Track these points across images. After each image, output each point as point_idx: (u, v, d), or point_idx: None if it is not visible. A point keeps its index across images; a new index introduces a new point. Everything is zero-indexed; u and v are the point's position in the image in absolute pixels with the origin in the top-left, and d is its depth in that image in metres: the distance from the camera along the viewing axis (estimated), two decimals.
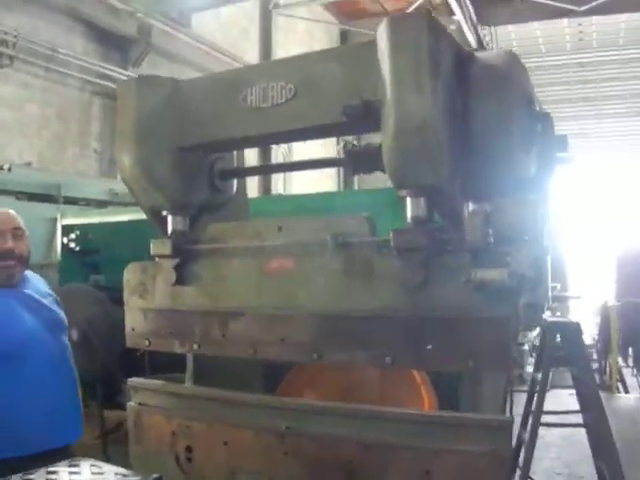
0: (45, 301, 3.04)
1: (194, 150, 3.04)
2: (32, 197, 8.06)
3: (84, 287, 5.80)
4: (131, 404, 3.41)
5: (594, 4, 15.09)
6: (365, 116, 2.43)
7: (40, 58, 10.70)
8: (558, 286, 9.82)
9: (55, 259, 6.94)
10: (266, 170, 3.40)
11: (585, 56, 20.29)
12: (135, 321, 3.32)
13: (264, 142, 3.15)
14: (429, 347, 2.42)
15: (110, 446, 5.24)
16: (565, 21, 17.95)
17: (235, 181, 3.38)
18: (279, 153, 16.18)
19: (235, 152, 3.38)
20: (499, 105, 2.37)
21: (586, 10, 15.48)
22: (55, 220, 7.31)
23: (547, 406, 6.74)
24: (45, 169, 9.70)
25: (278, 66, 2.74)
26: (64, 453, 2.74)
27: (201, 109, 2.91)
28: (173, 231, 3.12)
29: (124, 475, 2.18)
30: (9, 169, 7.51)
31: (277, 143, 3.22)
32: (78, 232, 6.64)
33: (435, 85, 2.24)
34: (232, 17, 15.67)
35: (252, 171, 3.37)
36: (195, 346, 3.06)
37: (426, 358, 2.45)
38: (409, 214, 2.46)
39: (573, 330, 3.69)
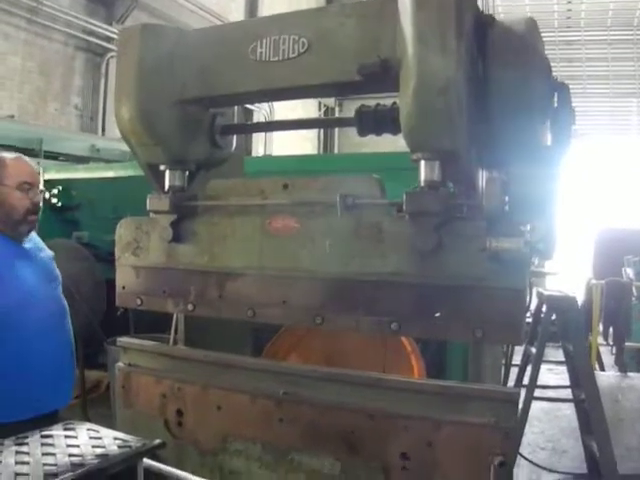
0: (42, 254, 2.94)
1: (196, 103, 2.91)
2: (12, 151, 7.82)
3: (68, 242, 5.66)
4: (119, 365, 3.31)
5: None
6: (382, 75, 2.34)
7: (23, 10, 10.36)
8: (536, 261, 9.87)
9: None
10: (269, 127, 3.28)
11: (572, 34, 20.27)
12: (127, 279, 3.21)
13: (272, 98, 3.04)
14: (437, 315, 2.35)
15: (90, 406, 5.15)
16: None
17: (234, 138, 3.28)
18: (261, 115, 16.02)
19: (236, 108, 3.27)
20: (520, 72, 2.29)
21: None
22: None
23: (527, 381, 6.82)
24: (27, 123, 9.44)
25: (291, 18, 2.61)
26: (55, 417, 2.66)
27: (207, 61, 2.78)
28: (171, 187, 3.00)
29: (124, 440, 2.10)
30: None
31: (286, 99, 3.10)
32: (60, 187, 6.47)
33: (460, 45, 2.15)
34: None
35: (254, 128, 3.26)
36: (190, 306, 2.97)
37: (434, 326, 2.38)
38: (422, 178, 2.37)
39: (569, 305, 3.66)
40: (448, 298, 2.36)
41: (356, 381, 2.60)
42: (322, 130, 20.57)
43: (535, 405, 5.06)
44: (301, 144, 18.47)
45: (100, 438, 2.11)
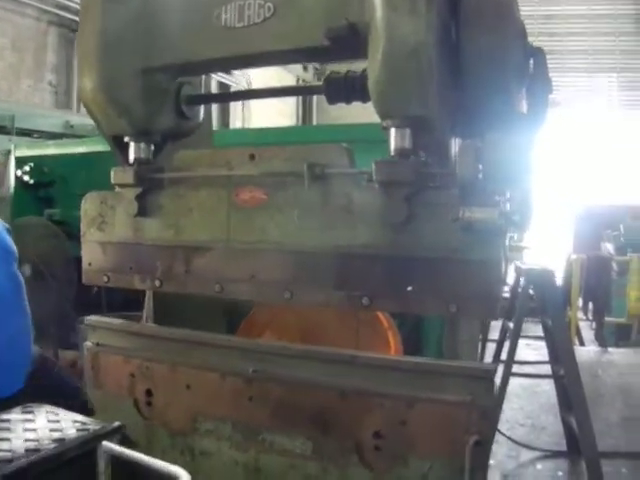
0: None
1: (161, 72, 2.80)
2: None
3: (39, 220, 5.53)
4: (88, 344, 3.22)
5: None
6: (350, 40, 2.24)
7: None
8: (515, 236, 9.84)
9: (8, 192, 6.60)
10: (237, 97, 3.18)
11: (553, 9, 20.14)
12: (92, 255, 3.10)
13: (237, 65, 2.94)
14: (410, 289, 2.27)
15: None
16: None
17: (202, 109, 3.16)
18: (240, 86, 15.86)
19: (203, 77, 3.16)
20: (494, 35, 2.20)
21: None
22: (8, 152, 6.92)
23: (504, 357, 6.79)
24: None
25: None
26: (16, 401, 2.55)
27: (171, 27, 2.67)
28: (136, 159, 2.89)
29: (83, 423, 2.01)
30: None
31: (252, 67, 3.00)
32: (32, 164, 6.32)
33: (430, 7, 2.06)
34: None
35: (221, 97, 3.18)
36: (157, 282, 2.87)
37: (406, 300, 2.30)
38: (392, 146, 2.28)
39: (547, 279, 3.60)
40: (420, 271, 2.28)
41: (327, 358, 2.53)
42: (300, 105, 20.44)
43: (514, 381, 5.03)
44: (279, 119, 18.30)
45: (59, 421, 2.02)
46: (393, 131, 2.27)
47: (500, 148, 2.23)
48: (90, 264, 3.13)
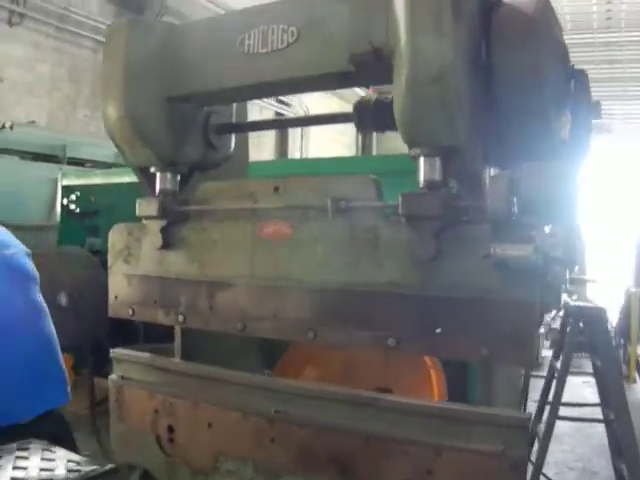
0: (8, 252, 2.75)
1: (187, 101, 2.75)
2: (36, 157, 7.78)
3: (76, 250, 5.55)
4: (113, 377, 3.16)
5: None
6: (376, 65, 2.13)
7: (52, 17, 10.39)
8: (576, 268, 9.48)
9: (56, 221, 6.69)
10: (264, 126, 3.09)
11: (612, 35, 19.69)
12: (119, 288, 3.06)
13: (263, 93, 2.85)
14: (438, 330, 2.12)
15: (101, 417, 5.00)
16: None
17: (233, 138, 3.10)
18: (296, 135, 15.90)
19: (234, 105, 3.09)
20: (529, 55, 2.04)
21: None
22: (57, 181, 7.04)
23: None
24: (50, 129, 9.42)
25: (280, 6, 2.41)
26: (45, 423, 2.49)
27: (194, 56, 2.61)
28: (161, 190, 2.84)
29: (77, 463, 1.92)
30: (11, 127, 7.22)
31: (277, 95, 2.90)
32: (78, 193, 6.39)
33: (457, 27, 1.93)
34: None
35: (250, 127, 3.07)
36: (180, 317, 2.80)
37: (434, 343, 2.15)
38: (421, 177, 2.15)
39: (598, 317, 3.38)
40: (450, 311, 2.12)
41: (350, 400, 2.38)
42: (359, 135, 20.31)
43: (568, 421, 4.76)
44: (338, 149, 18.28)
45: (53, 460, 1.93)
46: (422, 160, 2.15)
47: (537, 179, 2.07)
48: (116, 297, 3.08)
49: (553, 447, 4.85)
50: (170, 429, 2.87)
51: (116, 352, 3.17)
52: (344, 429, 2.34)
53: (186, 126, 2.82)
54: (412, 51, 1.95)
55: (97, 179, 6.65)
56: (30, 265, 2.76)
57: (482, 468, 2.07)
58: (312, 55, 2.29)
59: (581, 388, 7.25)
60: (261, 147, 15.46)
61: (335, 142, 18.07)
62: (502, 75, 2.06)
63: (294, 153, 16.62)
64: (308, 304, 2.43)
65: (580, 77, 2.26)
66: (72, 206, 6.38)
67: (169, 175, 2.84)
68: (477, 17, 2.03)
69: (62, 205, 6.48)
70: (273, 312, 2.50)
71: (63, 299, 5.12)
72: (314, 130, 16.44)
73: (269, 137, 16.02)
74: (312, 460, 2.42)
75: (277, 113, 15.04)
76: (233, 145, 3.11)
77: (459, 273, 2.10)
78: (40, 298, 2.71)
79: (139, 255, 2.95)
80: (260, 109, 13.87)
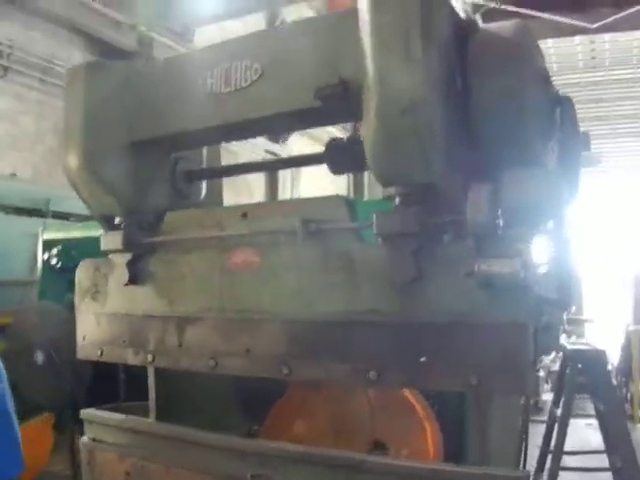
0: None
1: (149, 147, 2.60)
2: (19, 211, 7.63)
3: (53, 306, 5.35)
4: (84, 439, 2.96)
5: (607, 21, 14.63)
6: (344, 99, 1.99)
7: (36, 70, 10.36)
8: (573, 308, 9.30)
9: (35, 276, 6.51)
10: (235, 171, 2.94)
11: (598, 74, 19.90)
12: (87, 328, 2.90)
13: (229, 135, 2.70)
14: (423, 359, 1.93)
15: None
16: (577, 39, 17.55)
17: (204, 184, 2.95)
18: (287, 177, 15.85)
19: (205, 150, 2.95)
20: (509, 79, 1.88)
21: (599, 27, 15.02)
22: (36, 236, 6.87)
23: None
24: (32, 181, 9.29)
25: (242, 42, 2.29)
26: None
27: (155, 97, 2.48)
28: (126, 223, 2.69)
29: None
30: None
31: (245, 137, 2.77)
32: (59, 247, 6.22)
33: (428, 54, 1.79)
34: (237, 31, 15.32)
35: (220, 172, 2.92)
36: (149, 357, 2.62)
37: (419, 374, 1.96)
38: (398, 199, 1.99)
39: (597, 360, 3.20)
40: (434, 338, 1.93)
41: (331, 463, 2.18)
42: (351, 177, 20.27)
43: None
44: (331, 190, 18.22)
45: None
46: (397, 201, 1.99)
47: (521, 188, 1.86)
48: (84, 337, 2.92)
49: None
50: None
51: (86, 413, 2.97)
52: None
53: (152, 173, 2.68)
54: (379, 81, 1.81)
55: (77, 232, 6.50)
56: None
57: None
58: (277, 92, 2.15)
59: (584, 431, 7.00)
60: (251, 190, 15.37)
61: (326, 182, 18.04)
62: (481, 104, 1.90)
63: (285, 194, 16.55)
64: (281, 337, 2.25)
65: (566, 104, 2.12)
66: (53, 260, 6.21)
67: (134, 225, 2.68)
68: (451, 43, 1.88)
69: (43, 260, 6.31)
70: (245, 347, 2.32)
71: (40, 357, 4.92)
72: (305, 170, 16.42)
73: (259, 179, 15.97)
74: None
75: (267, 151, 15.01)
76: (204, 191, 2.96)
77: (442, 295, 1.92)
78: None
79: (106, 292, 2.79)
80: (251, 150, 13.81)
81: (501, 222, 1.81)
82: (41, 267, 6.36)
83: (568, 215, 2.19)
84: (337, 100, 2.00)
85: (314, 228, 2.11)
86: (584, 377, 3.40)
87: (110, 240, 2.70)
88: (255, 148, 14.36)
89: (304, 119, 2.24)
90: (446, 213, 1.93)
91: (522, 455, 2.52)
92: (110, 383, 4.54)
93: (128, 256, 2.66)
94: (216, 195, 3.17)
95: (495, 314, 1.82)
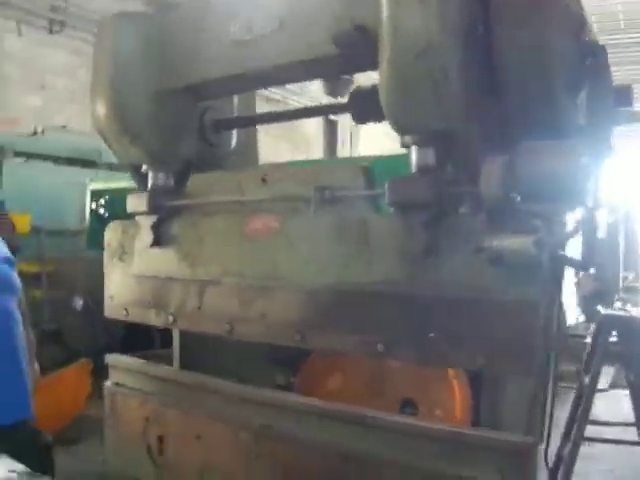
0: None
1: (176, 96, 2.58)
2: (71, 162, 7.74)
3: (93, 256, 5.46)
4: (107, 384, 3.05)
5: None
6: (361, 45, 1.92)
7: (92, 24, 10.46)
8: (630, 276, 8.93)
9: (84, 225, 6.65)
10: (261, 120, 2.91)
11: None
12: (114, 288, 2.96)
13: (252, 83, 2.65)
14: (431, 335, 1.89)
15: None
16: None
17: (234, 134, 2.93)
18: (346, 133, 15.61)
19: (236, 99, 2.92)
20: (532, 34, 1.78)
21: None
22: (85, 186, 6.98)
23: (603, 410, 5.98)
24: (86, 133, 9.42)
25: None
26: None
27: (181, 48, 2.45)
28: (152, 186, 2.70)
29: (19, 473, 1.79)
30: (42, 132, 7.21)
31: (268, 85, 2.73)
32: (106, 197, 6.33)
33: None
34: None
35: (245, 122, 2.89)
36: (170, 319, 2.66)
37: (426, 350, 1.92)
38: (414, 162, 1.92)
39: (633, 328, 3.07)
40: (443, 314, 1.89)
41: (336, 417, 2.17)
42: None
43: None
44: (391, 145, 17.95)
45: None
46: (413, 149, 1.93)
47: (536, 157, 1.76)
48: (112, 297, 2.97)
49: (591, 468, 4.49)
50: (160, 439, 2.73)
51: (111, 358, 3.05)
52: (328, 449, 2.14)
53: (178, 122, 2.66)
54: (394, 25, 1.75)
55: (125, 183, 6.59)
56: (13, 276, 2.60)
57: None
58: (296, 41, 2.10)
59: (623, 401, 6.84)
60: (309, 146, 15.21)
61: (387, 137, 17.77)
62: (503, 54, 1.81)
63: (344, 151, 16.38)
64: (296, 305, 2.26)
65: (598, 53, 1.98)
66: (100, 210, 6.33)
67: (161, 173, 2.69)
68: None
69: (91, 209, 6.44)
70: (261, 313, 2.33)
71: (78, 303, 5.05)
72: (364, 126, 16.15)
73: (318, 135, 15.79)
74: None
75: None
76: (234, 140, 2.95)
77: (452, 269, 1.86)
78: (14, 307, 2.54)
79: (133, 254, 2.82)
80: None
81: (517, 196, 1.74)
82: (89, 217, 6.50)
83: (598, 177, 2.07)
84: (354, 46, 1.94)
85: (329, 196, 2.07)
86: (618, 345, 3.28)
87: (135, 202, 2.73)
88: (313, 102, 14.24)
89: (324, 67, 2.19)
90: (464, 182, 1.86)
91: (539, 423, 2.38)
92: (146, 331, 4.63)
93: (153, 218, 2.68)
94: (251, 144, 3.16)
95: (505, 292, 1.76)
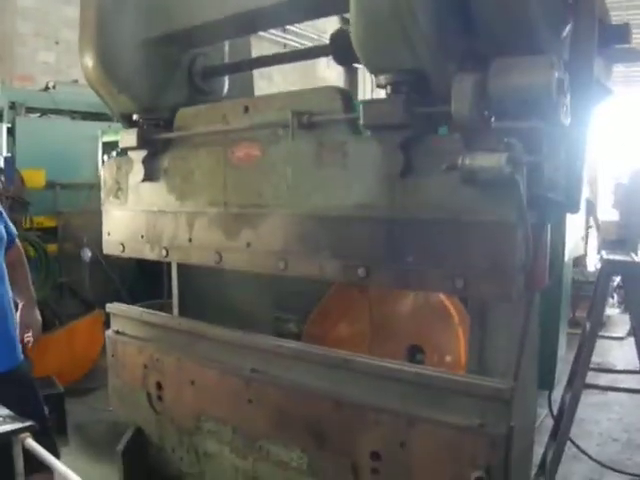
0: None
1: (164, 44, 2.56)
2: (86, 116, 7.73)
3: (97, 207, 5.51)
4: (109, 332, 3.09)
5: None
6: None
7: None
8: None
9: (96, 178, 6.67)
10: (253, 64, 2.86)
11: None
12: (110, 225, 3.00)
13: (238, 29, 2.57)
14: (410, 259, 1.86)
15: None
16: None
17: (226, 80, 2.91)
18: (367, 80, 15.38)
19: (227, 45, 2.89)
20: None
21: None
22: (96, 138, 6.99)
23: (621, 358, 5.93)
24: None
25: None
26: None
27: None
28: (142, 121, 2.70)
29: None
30: (54, 87, 7.20)
31: (256, 30, 2.63)
32: (118, 149, 6.32)
33: None
34: None
35: (233, 67, 2.85)
36: (164, 252, 2.70)
37: (406, 274, 1.89)
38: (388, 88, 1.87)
39: (635, 272, 3.00)
40: (421, 237, 1.85)
41: (322, 361, 2.19)
42: None
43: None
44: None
45: None
46: (389, 89, 1.87)
47: (508, 75, 1.66)
48: (109, 233, 3.02)
49: (600, 416, 4.50)
50: (159, 386, 2.78)
51: (112, 307, 3.09)
52: (315, 393, 2.16)
53: (167, 71, 2.65)
54: None
55: None
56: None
57: (456, 444, 1.83)
58: None
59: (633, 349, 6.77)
60: None
61: None
62: None
63: (365, 93, 16.22)
64: (279, 233, 2.24)
65: None
66: None
67: (152, 122, 2.68)
68: None
69: (103, 162, 6.45)
70: (246, 242, 2.34)
71: (87, 255, 5.11)
72: None
73: (338, 82, 15.59)
74: (286, 424, 2.26)
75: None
76: (226, 87, 2.92)
77: (429, 190, 1.82)
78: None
79: (126, 189, 2.85)
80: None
81: (489, 114, 1.69)
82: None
83: (585, 113, 1.98)
84: None
85: (306, 120, 2.04)
86: (623, 291, 3.24)
87: (126, 138, 2.72)
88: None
89: (312, 10, 2.14)
90: (439, 104, 1.81)
91: (529, 368, 2.31)
92: (156, 281, 4.68)
93: (144, 153, 2.69)
94: (247, 90, 3.13)
95: (481, 212, 1.71)
